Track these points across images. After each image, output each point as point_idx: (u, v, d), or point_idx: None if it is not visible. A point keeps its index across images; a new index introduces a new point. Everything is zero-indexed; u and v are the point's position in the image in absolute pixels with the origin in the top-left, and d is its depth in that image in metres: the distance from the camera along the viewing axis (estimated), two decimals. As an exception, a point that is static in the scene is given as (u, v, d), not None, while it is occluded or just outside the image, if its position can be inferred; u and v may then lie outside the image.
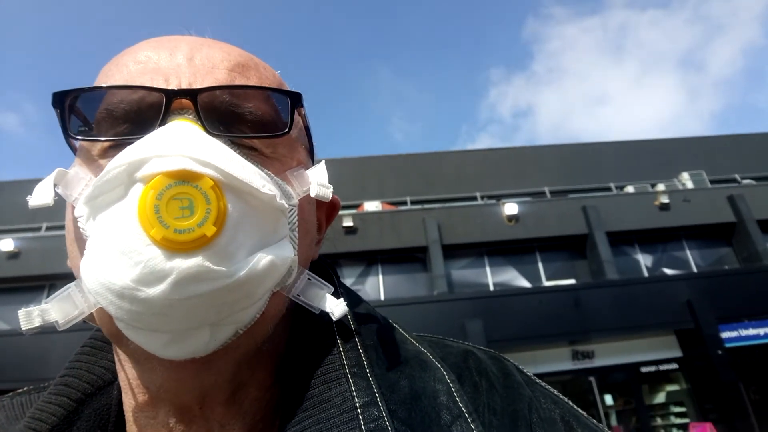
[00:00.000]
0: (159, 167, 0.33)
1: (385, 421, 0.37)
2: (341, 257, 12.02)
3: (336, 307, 0.42)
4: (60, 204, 0.41)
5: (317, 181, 0.43)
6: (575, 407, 0.50)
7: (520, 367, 0.53)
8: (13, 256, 11.59)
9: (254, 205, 0.36)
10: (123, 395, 0.45)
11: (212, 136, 0.38)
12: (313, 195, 0.42)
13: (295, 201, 0.42)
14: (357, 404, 0.38)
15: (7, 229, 12.66)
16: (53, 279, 11.56)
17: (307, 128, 0.50)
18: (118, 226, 0.33)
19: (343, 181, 14.48)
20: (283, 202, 0.39)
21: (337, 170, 14.87)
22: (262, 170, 0.40)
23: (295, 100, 0.43)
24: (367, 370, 0.41)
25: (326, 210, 0.55)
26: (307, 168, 0.46)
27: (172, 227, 0.31)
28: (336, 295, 0.45)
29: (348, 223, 12.10)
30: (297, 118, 0.46)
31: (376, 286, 12.23)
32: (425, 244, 12.20)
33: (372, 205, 13.39)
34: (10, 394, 0.53)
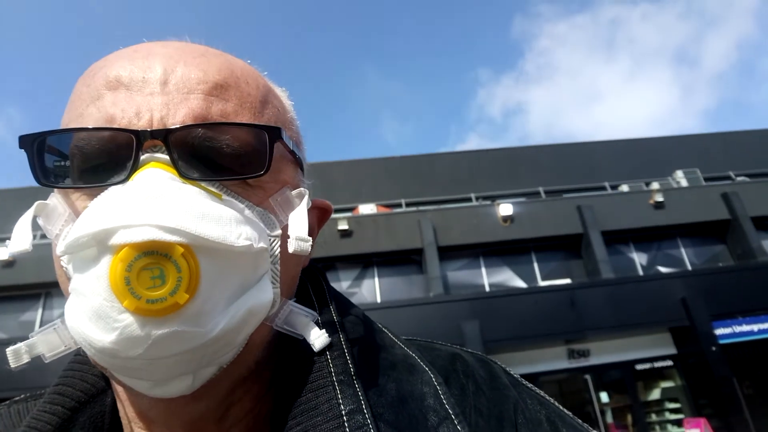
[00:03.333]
0: (125, 238, 0.32)
1: (369, 428, 0.38)
2: (337, 260, 12.03)
3: (317, 339, 0.43)
4: None
5: (295, 235, 0.41)
6: (561, 408, 0.51)
7: (507, 369, 0.54)
8: (8, 264, 11.52)
9: (230, 258, 0.36)
10: (118, 404, 0.46)
11: (186, 180, 0.37)
12: (291, 251, 0.40)
13: (278, 231, 0.42)
14: (343, 411, 0.39)
15: (1, 237, 12.63)
16: (49, 287, 11.52)
17: (291, 148, 0.47)
18: (92, 291, 0.33)
19: (338, 184, 14.48)
20: (262, 244, 0.38)
21: (331, 174, 14.84)
22: (242, 204, 0.40)
23: (273, 135, 0.41)
24: (354, 378, 0.42)
25: (318, 214, 0.54)
26: (294, 186, 0.45)
27: (144, 298, 0.32)
28: (323, 299, 0.49)
29: (343, 226, 12.08)
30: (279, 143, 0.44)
31: (372, 289, 12.24)
32: (421, 246, 12.21)
33: (367, 208, 13.38)
34: (7, 402, 0.54)
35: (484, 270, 12.62)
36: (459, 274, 12.54)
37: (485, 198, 14.59)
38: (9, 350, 0.38)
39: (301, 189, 0.46)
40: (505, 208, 12.56)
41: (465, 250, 12.65)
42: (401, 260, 12.62)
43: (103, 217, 0.33)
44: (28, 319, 11.59)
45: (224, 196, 0.39)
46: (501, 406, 0.47)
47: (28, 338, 0.39)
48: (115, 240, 0.32)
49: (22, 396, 0.55)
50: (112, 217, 0.33)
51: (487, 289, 12.26)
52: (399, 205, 14.49)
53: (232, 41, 0.48)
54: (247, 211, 0.39)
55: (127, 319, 0.32)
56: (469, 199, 14.65)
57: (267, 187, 0.43)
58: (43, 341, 0.38)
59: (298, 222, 0.42)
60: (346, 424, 0.38)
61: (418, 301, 10.70)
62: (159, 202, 0.34)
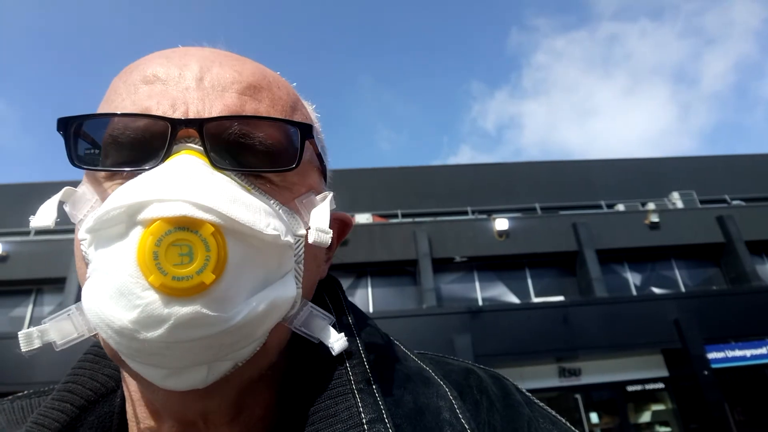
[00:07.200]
0: (158, 212, 0.32)
1: None
2: (331, 269, 11.87)
3: (336, 342, 0.42)
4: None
5: (316, 227, 0.41)
6: (573, 428, 0.51)
7: (520, 387, 0.54)
8: (0, 259, 11.51)
9: (257, 246, 0.36)
10: (127, 406, 0.45)
11: (218, 170, 0.38)
12: (311, 241, 0.41)
13: (303, 231, 0.42)
14: (364, 420, 0.38)
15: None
16: (41, 284, 11.47)
17: (319, 150, 0.48)
18: (117, 266, 0.33)
19: (335, 193, 14.44)
20: (289, 238, 0.38)
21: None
22: (270, 201, 0.40)
23: (305, 132, 0.42)
24: (374, 387, 0.41)
25: (338, 227, 0.54)
26: (318, 192, 0.46)
27: (170, 274, 0.31)
28: (340, 308, 0.48)
29: (339, 234, 12.04)
30: (308, 144, 0.44)
31: (365, 299, 12.18)
32: (415, 257, 12.19)
33: (363, 218, 13.38)
34: (10, 397, 0.53)
35: (477, 284, 12.59)
36: (452, 287, 12.51)
37: (481, 212, 14.59)
38: (21, 334, 0.37)
39: (325, 192, 0.46)
40: (501, 223, 12.57)
41: (459, 263, 12.63)
42: (395, 271, 12.59)
43: (135, 192, 0.33)
44: (18, 315, 11.49)
45: (252, 190, 0.39)
46: (515, 423, 0.46)
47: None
48: (148, 213, 0.32)
49: (26, 392, 0.54)
50: (145, 191, 0.33)
51: (480, 303, 12.21)
52: (395, 216, 14.49)
53: (229, 48, 0.49)
54: (274, 207, 0.40)
55: (151, 296, 0.31)
56: (465, 213, 14.65)
57: (294, 188, 0.43)
58: (55, 328, 0.37)
59: (320, 215, 0.43)
60: None
61: (410, 313, 10.67)
62: (192, 181, 0.34)
